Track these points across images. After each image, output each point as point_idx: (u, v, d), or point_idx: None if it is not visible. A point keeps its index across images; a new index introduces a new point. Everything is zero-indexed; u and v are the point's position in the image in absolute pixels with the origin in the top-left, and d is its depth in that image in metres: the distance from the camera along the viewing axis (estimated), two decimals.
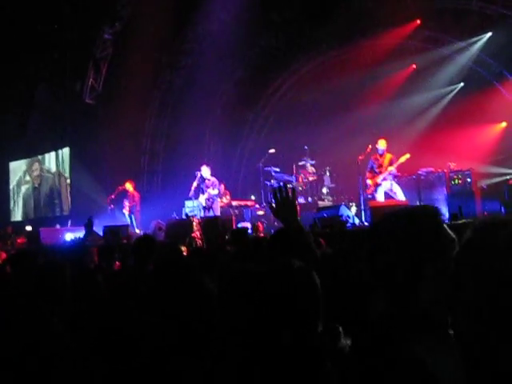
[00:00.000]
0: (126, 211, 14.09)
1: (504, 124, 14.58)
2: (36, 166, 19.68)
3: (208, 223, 11.04)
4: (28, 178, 20.07)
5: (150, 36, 14.53)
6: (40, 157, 19.47)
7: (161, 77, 16.65)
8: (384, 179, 11.81)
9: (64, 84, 17.52)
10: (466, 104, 14.25)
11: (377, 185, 11.87)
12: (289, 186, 3.10)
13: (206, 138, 17.44)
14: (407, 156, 11.63)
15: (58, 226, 14.75)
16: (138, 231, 13.39)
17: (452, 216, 10.02)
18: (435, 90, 15.40)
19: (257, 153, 15.47)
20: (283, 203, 3.01)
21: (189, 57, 16.34)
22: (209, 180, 13.05)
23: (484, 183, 13.03)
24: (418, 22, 14.58)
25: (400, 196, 11.66)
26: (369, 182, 11.97)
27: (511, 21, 13.33)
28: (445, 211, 11.17)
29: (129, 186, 14.27)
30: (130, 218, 14.03)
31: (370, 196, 11.97)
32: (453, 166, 12.57)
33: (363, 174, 12.07)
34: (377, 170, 11.93)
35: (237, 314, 2.34)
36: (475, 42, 14.59)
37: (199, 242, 10.75)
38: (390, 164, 11.83)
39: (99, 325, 3.49)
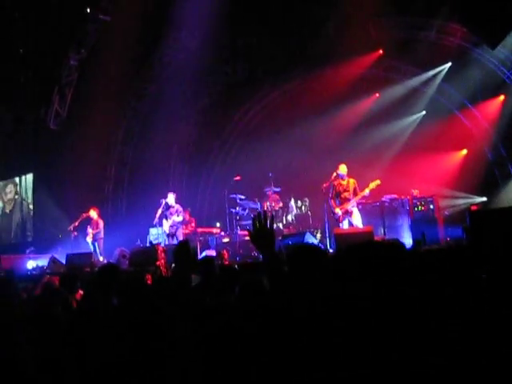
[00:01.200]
0: (89, 239, 13.89)
1: (465, 151, 14.90)
2: (10, 188, 19.25)
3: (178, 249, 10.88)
4: None
5: (115, 63, 14.51)
6: (11, 181, 19.06)
7: (126, 103, 16.58)
8: (353, 206, 11.73)
9: (28, 109, 17.33)
10: (428, 132, 14.55)
11: (347, 212, 11.74)
12: (269, 213, 3.11)
13: (171, 166, 17.38)
14: (378, 182, 11.53)
15: (28, 252, 14.49)
16: (101, 259, 13.19)
17: (415, 242, 10.14)
18: (398, 118, 15.68)
19: (222, 180, 15.47)
20: (261, 230, 3.00)
21: (154, 84, 16.34)
22: (173, 207, 12.99)
23: (446, 210, 13.25)
24: (381, 51, 14.89)
25: (359, 225, 11.61)
26: (338, 211, 11.66)
27: (469, 52, 13.74)
28: (408, 237, 11.32)
29: (93, 214, 14.10)
30: (94, 246, 13.83)
31: (339, 225, 11.85)
32: (416, 192, 12.74)
33: (327, 202, 12.06)
34: (342, 195, 11.84)
35: None
36: (436, 71, 14.95)
37: (164, 270, 10.63)
38: (355, 187, 11.76)
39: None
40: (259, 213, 3.03)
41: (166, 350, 3.00)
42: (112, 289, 4.64)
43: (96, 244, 13.91)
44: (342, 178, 11.84)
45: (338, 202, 11.83)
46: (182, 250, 3.34)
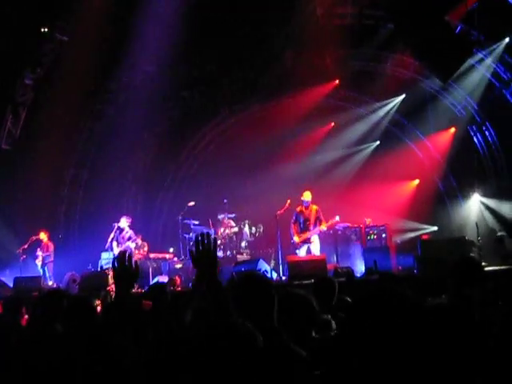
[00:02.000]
0: (38, 262, 13.55)
1: (417, 181, 15.24)
2: None
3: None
4: None
5: (72, 83, 14.33)
6: None
7: (82, 125, 16.38)
8: (313, 234, 11.84)
9: None
10: (381, 161, 14.86)
11: (304, 241, 11.86)
12: (211, 235, 3.06)
13: (126, 189, 17.19)
14: (337, 219, 11.83)
15: None
16: (50, 283, 12.89)
17: (367, 271, 10.25)
18: (352, 147, 15.95)
19: (177, 205, 15.38)
20: (203, 252, 2.95)
21: (111, 106, 16.20)
22: (127, 232, 12.83)
23: (398, 238, 13.46)
24: (337, 81, 15.17)
25: (316, 251, 11.74)
26: (296, 238, 11.86)
27: (422, 84, 14.13)
28: (361, 266, 11.43)
29: (43, 236, 13.77)
30: (43, 270, 13.50)
31: (296, 251, 11.93)
32: (368, 221, 12.93)
33: (282, 229, 12.08)
34: (303, 225, 11.93)
35: None
36: (390, 102, 15.31)
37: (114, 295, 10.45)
38: (318, 215, 11.88)
39: None
40: (202, 234, 2.99)
41: (112, 380, 2.92)
42: (56, 315, 4.51)
43: (46, 268, 13.58)
44: (306, 206, 11.95)
45: (299, 228, 11.92)
46: (120, 265, 3.21)
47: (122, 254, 2.98)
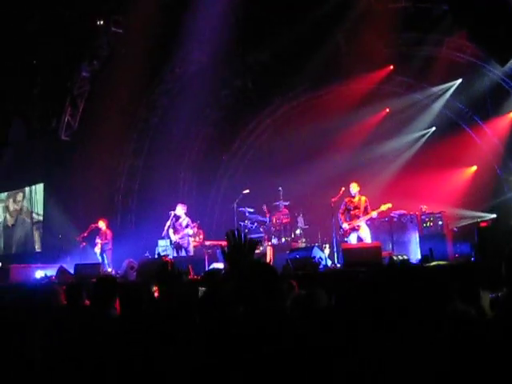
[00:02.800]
0: (97, 249, 13.93)
1: (474, 168, 14.85)
2: (13, 200, 19.34)
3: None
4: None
5: (127, 75, 14.62)
6: (20, 192, 19.17)
7: (137, 116, 16.69)
8: (363, 220, 11.82)
9: (40, 120, 17.48)
10: (437, 148, 14.52)
11: (353, 229, 11.86)
12: (248, 237, 3.10)
13: (180, 178, 17.45)
14: (389, 205, 11.71)
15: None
16: (109, 270, 13.24)
17: (423, 258, 10.10)
18: (408, 133, 15.66)
19: (231, 193, 15.48)
20: (236, 248, 2.99)
21: (165, 97, 16.46)
22: (184, 219, 12.99)
23: (455, 226, 13.19)
24: (391, 67, 14.92)
25: (367, 239, 11.68)
26: (345, 225, 11.85)
27: (479, 68, 13.73)
28: (417, 253, 11.29)
29: (102, 224, 14.14)
30: (102, 257, 13.88)
31: (345, 239, 11.94)
32: (424, 208, 12.74)
33: (336, 216, 12.09)
34: (352, 212, 11.94)
35: None
36: (446, 87, 14.94)
37: None
38: (366, 205, 11.86)
39: None
40: (234, 230, 3.02)
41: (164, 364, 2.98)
42: (109, 301, 4.62)
43: (104, 255, 13.95)
44: (353, 196, 11.94)
45: (347, 217, 11.93)
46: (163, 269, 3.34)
47: (165, 262, 3.07)
